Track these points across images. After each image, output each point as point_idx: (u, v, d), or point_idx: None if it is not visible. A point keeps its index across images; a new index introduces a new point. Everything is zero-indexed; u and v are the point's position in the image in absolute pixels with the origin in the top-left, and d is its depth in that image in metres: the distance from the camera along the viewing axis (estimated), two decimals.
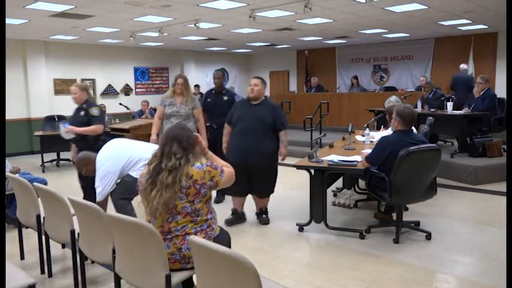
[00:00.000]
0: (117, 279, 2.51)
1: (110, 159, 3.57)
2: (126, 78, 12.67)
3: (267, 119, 4.31)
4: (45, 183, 4.30)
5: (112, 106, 11.01)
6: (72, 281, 3.04)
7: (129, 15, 7.47)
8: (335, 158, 4.23)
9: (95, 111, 4.66)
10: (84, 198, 3.99)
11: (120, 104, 10.34)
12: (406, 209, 4.80)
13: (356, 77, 12.10)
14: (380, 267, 3.47)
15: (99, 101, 11.43)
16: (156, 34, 9.30)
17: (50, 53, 10.92)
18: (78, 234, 2.90)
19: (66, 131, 4.63)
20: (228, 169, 2.58)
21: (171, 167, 2.35)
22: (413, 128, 4.12)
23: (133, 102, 11.32)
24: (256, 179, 4.39)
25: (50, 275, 3.41)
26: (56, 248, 3.76)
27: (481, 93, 6.90)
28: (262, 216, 4.64)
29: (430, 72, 11.80)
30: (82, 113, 4.65)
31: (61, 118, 8.73)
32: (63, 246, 3.92)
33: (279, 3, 6.82)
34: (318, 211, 4.20)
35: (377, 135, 5.14)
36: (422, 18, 8.42)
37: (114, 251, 2.51)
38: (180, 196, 2.35)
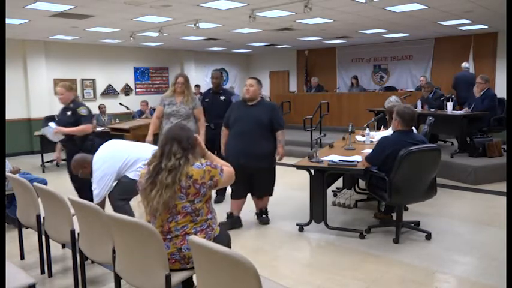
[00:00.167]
0: (117, 279, 2.51)
1: (107, 161, 3.57)
2: (126, 78, 12.67)
3: (263, 120, 4.29)
4: (45, 183, 4.31)
5: (112, 106, 11.01)
6: (72, 281, 3.04)
7: (129, 15, 7.47)
8: (335, 158, 4.23)
9: (83, 111, 4.57)
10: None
11: (120, 104, 10.35)
12: (406, 209, 4.80)
13: (356, 77, 12.09)
14: (380, 267, 3.47)
15: (99, 101, 11.44)
16: (156, 34, 9.30)
17: (50, 53, 10.92)
18: (78, 234, 2.90)
19: (54, 132, 4.51)
20: (227, 168, 2.58)
21: (170, 167, 2.35)
22: (413, 128, 4.12)
23: (133, 102, 11.33)
24: (255, 180, 4.37)
25: (50, 275, 3.41)
26: (56, 248, 3.75)
27: (481, 93, 6.90)
28: (262, 216, 4.63)
29: (430, 72, 11.80)
30: (69, 113, 4.57)
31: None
32: (63, 246, 3.92)
33: (279, 3, 6.82)
34: (318, 211, 4.20)
35: (377, 135, 5.14)
36: (422, 18, 8.42)
37: (114, 251, 2.51)
38: (180, 196, 2.35)
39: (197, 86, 12.22)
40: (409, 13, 7.81)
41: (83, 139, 4.51)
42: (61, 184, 6.68)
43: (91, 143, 4.46)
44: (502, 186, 5.84)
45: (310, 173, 4.18)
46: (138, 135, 6.50)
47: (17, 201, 3.69)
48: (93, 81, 11.89)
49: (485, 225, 4.55)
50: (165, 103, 5.01)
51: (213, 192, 2.89)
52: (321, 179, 4.12)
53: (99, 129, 8.32)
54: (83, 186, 4.15)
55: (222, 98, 5.52)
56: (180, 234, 2.37)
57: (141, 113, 10.04)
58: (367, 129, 5.55)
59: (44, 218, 3.28)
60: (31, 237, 3.97)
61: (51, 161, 8.60)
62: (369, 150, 4.15)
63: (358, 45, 13.00)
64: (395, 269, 3.45)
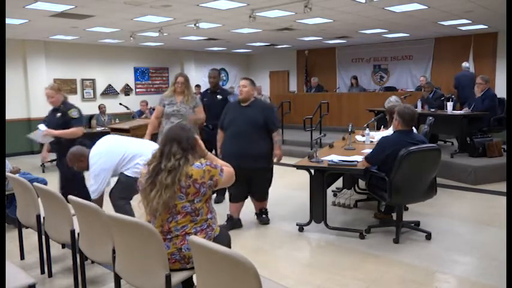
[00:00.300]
0: (117, 279, 2.51)
1: (104, 156, 3.55)
2: (126, 78, 12.67)
3: (258, 120, 4.25)
4: (45, 183, 4.30)
5: (112, 106, 11.01)
6: (72, 281, 3.04)
7: (129, 15, 7.47)
8: (335, 158, 4.23)
9: (74, 113, 4.43)
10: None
11: (120, 104, 10.35)
12: (406, 209, 4.80)
13: (355, 77, 12.08)
14: (380, 267, 3.47)
15: (99, 101, 11.45)
16: (156, 34, 9.30)
17: (50, 53, 10.92)
18: (78, 234, 2.90)
19: (44, 134, 4.38)
20: (227, 169, 2.58)
21: (170, 168, 2.35)
22: (413, 128, 4.12)
23: (133, 102, 11.33)
24: (253, 182, 4.33)
25: (50, 275, 3.41)
26: (56, 248, 3.76)
27: (481, 93, 6.90)
28: (262, 216, 4.63)
29: (430, 72, 11.80)
30: (58, 114, 4.45)
31: None
32: (63, 246, 3.92)
33: (279, 3, 6.82)
34: (318, 211, 4.20)
35: (377, 135, 5.14)
36: (422, 18, 8.42)
37: (114, 251, 2.51)
38: (179, 196, 2.35)
39: (197, 86, 12.23)
40: (409, 13, 7.81)
41: (71, 141, 4.30)
42: None
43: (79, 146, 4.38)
44: (502, 186, 5.84)
45: (310, 173, 4.18)
46: (137, 135, 6.48)
47: (17, 201, 3.68)
48: (93, 81, 11.89)
49: (485, 225, 4.55)
50: (164, 103, 4.96)
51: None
52: (321, 179, 4.12)
53: (99, 129, 8.33)
54: (70, 186, 4.12)
55: (220, 97, 5.49)
56: (180, 234, 2.37)
57: (140, 113, 10.05)
58: (367, 129, 5.55)
59: (44, 218, 3.28)
60: (31, 237, 3.97)
61: (51, 161, 8.58)
62: (369, 150, 4.15)
63: (358, 45, 13.00)
64: (395, 269, 3.45)
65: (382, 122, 6.27)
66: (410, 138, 3.90)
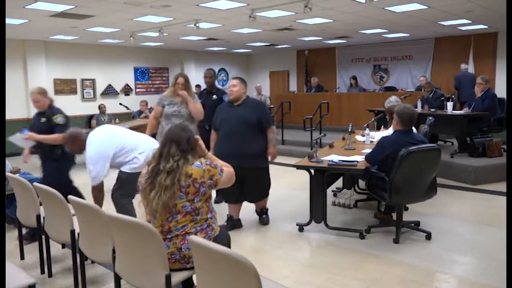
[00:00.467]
0: (117, 279, 2.51)
1: (104, 144, 3.56)
2: (126, 78, 12.68)
3: (250, 119, 4.18)
4: None
5: (112, 106, 11.01)
6: (72, 281, 3.04)
7: (129, 15, 7.47)
8: (335, 158, 4.23)
9: (59, 119, 4.18)
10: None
11: (120, 104, 10.35)
12: (406, 209, 4.80)
13: (354, 78, 12.04)
14: (380, 267, 3.47)
15: (99, 101, 11.45)
16: (156, 34, 9.30)
17: (50, 53, 10.92)
18: (78, 234, 2.90)
19: (25, 137, 4.18)
20: (228, 169, 2.58)
21: (169, 169, 2.35)
22: (413, 128, 4.12)
23: (133, 102, 11.33)
24: (249, 182, 4.22)
25: (50, 275, 3.41)
26: (56, 248, 3.76)
27: (481, 93, 6.90)
28: (263, 216, 4.62)
29: (430, 72, 11.81)
30: (43, 119, 4.23)
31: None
32: (63, 246, 3.92)
33: (279, 3, 6.82)
34: (318, 211, 4.20)
35: (377, 135, 5.14)
36: (422, 18, 8.42)
37: (114, 251, 2.51)
38: (179, 195, 2.35)
39: (198, 86, 12.22)
40: (409, 13, 7.81)
41: (52, 147, 4.18)
42: None
43: (61, 151, 4.20)
44: (502, 186, 5.84)
45: (310, 173, 4.17)
46: None
47: (17, 201, 3.68)
48: (93, 81, 11.90)
49: (485, 225, 4.55)
50: (164, 103, 4.85)
51: (213, 192, 2.89)
52: (321, 179, 4.12)
53: None
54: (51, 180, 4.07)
55: (214, 97, 5.44)
56: (180, 233, 2.37)
57: (140, 113, 10.05)
58: (367, 129, 5.55)
59: (44, 218, 3.27)
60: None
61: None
62: (369, 150, 4.15)
63: (358, 45, 13.00)
64: (395, 269, 3.45)
65: (382, 122, 6.27)
66: (410, 138, 3.90)
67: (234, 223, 4.46)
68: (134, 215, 3.58)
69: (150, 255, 2.25)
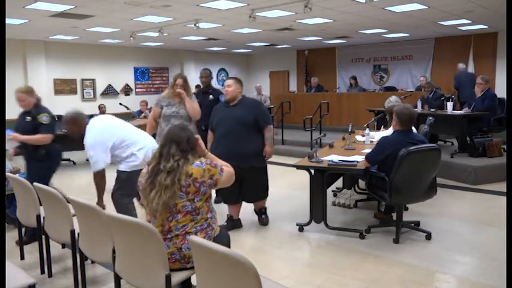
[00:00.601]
0: (117, 279, 2.51)
1: (103, 133, 3.58)
2: (126, 78, 12.68)
3: (247, 119, 4.16)
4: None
5: (112, 106, 11.02)
6: (72, 281, 3.04)
7: (129, 15, 7.47)
8: (335, 158, 4.23)
9: (44, 118, 4.07)
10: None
11: (120, 104, 10.35)
12: (406, 209, 4.80)
13: (354, 78, 12.01)
14: (380, 267, 3.47)
15: (99, 101, 11.45)
16: (156, 34, 9.30)
17: (50, 53, 10.93)
18: (78, 234, 2.90)
19: (9, 138, 4.06)
20: (227, 168, 2.58)
21: (169, 169, 2.35)
22: (413, 127, 4.12)
23: (133, 102, 11.33)
24: (247, 182, 4.20)
25: (50, 275, 3.41)
26: (56, 248, 3.75)
27: (481, 93, 6.90)
28: (262, 216, 4.60)
29: (430, 72, 11.82)
30: (28, 118, 4.13)
31: (61, 118, 8.72)
32: (63, 246, 3.92)
33: (279, 3, 6.83)
34: (318, 211, 4.20)
35: (377, 135, 5.14)
36: (422, 18, 8.42)
37: (114, 251, 2.51)
38: (180, 195, 2.35)
39: (197, 86, 12.21)
40: (409, 13, 7.81)
41: (35, 147, 4.06)
42: (61, 184, 6.69)
43: (45, 152, 4.11)
44: (502, 186, 5.84)
45: (310, 173, 4.17)
46: None
47: (17, 201, 3.68)
48: (93, 81, 11.90)
49: (485, 225, 4.55)
50: (162, 104, 4.83)
51: (213, 192, 2.89)
52: (321, 179, 4.12)
53: None
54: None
55: (211, 97, 5.41)
56: (180, 233, 2.37)
57: (140, 113, 10.05)
58: (367, 129, 5.55)
59: (44, 218, 3.28)
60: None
61: None
62: (369, 150, 4.15)
63: (358, 45, 13.00)
64: (395, 269, 3.45)
65: (382, 122, 6.27)
66: (410, 138, 3.90)
67: (234, 223, 4.46)
68: (135, 215, 3.59)
69: (150, 255, 2.25)
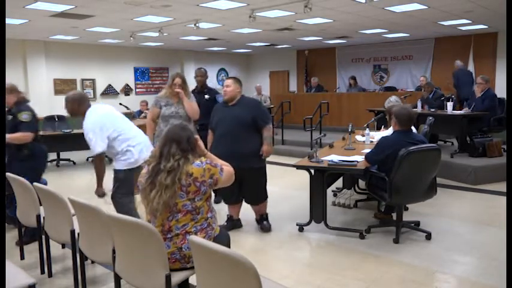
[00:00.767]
0: (117, 279, 2.51)
1: (105, 119, 3.63)
2: (126, 78, 12.68)
3: (245, 119, 4.14)
4: (45, 183, 4.29)
5: (112, 106, 11.00)
6: (72, 281, 3.04)
7: (129, 15, 7.47)
8: (335, 158, 4.23)
9: (24, 116, 3.98)
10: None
11: (120, 104, 10.33)
12: (406, 209, 4.80)
13: (354, 78, 12.01)
14: (380, 267, 3.47)
15: (99, 101, 11.46)
16: (156, 34, 9.30)
17: (50, 53, 10.93)
18: (78, 234, 2.90)
19: None
20: (227, 168, 2.59)
21: (169, 168, 2.35)
22: (413, 128, 4.12)
23: (134, 102, 11.30)
24: (246, 183, 4.18)
25: (50, 275, 3.41)
26: (56, 248, 3.75)
27: (481, 93, 6.91)
28: (263, 222, 4.48)
29: (430, 72, 11.82)
30: (9, 117, 4.02)
31: (61, 118, 8.73)
32: (63, 246, 3.92)
33: (279, 3, 6.83)
34: (318, 211, 4.20)
35: (377, 135, 5.15)
36: (422, 18, 8.42)
37: (114, 251, 2.51)
38: (180, 194, 2.35)
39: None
40: (409, 13, 7.82)
41: (18, 147, 3.99)
42: (61, 184, 6.69)
43: (28, 152, 4.06)
44: (502, 186, 5.84)
45: (310, 173, 4.17)
46: None
47: (17, 201, 3.68)
48: (93, 81, 11.90)
49: (485, 225, 4.55)
50: (161, 104, 4.80)
51: (212, 192, 2.88)
52: (321, 179, 4.12)
53: None
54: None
55: (207, 96, 5.39)
56: (180, 233, 2.37)
57: (140, 113, 10.05)
58: (367, 129, 5.55)
59: (44, 218, 3.28)
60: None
61: (51, 161, 8.60)
62: (369, 150, 4.14)
63: (358, 45, 13.01)
64: (395, 269, 3.45)
65: (382, 122, 6.28)
66: (410, 138, 3.91)
67: (234, 223, 4.46)
68: (136, 215, 3.59)
69: (150, 255, 2.25)
